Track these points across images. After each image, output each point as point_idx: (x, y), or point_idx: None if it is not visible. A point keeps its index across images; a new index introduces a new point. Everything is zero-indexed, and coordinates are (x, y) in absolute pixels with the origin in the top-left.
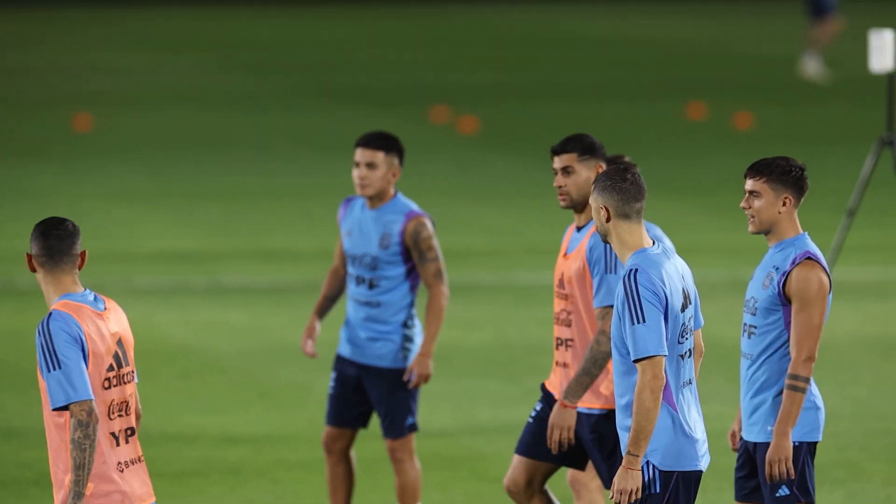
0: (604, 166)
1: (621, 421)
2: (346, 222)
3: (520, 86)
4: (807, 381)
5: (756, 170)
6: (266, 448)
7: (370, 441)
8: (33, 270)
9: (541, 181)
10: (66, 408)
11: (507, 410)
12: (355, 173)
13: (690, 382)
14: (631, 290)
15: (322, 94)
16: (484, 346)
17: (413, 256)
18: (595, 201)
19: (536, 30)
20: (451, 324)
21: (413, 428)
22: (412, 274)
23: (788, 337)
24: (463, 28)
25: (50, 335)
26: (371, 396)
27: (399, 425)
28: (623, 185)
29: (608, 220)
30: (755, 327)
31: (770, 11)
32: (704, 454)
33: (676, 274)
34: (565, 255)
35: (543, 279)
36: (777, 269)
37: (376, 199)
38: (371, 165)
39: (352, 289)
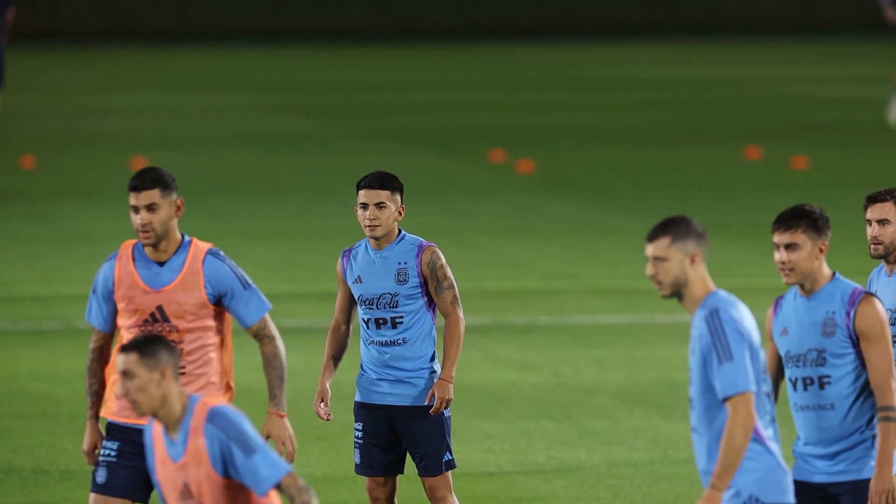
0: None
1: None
2: (352, 271)
3: (577, 127)
4: None
5: (788, 222)
6: (324, 490)
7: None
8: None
9: (597, 223)
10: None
11: (564, 451)
12: (364, 214)
13: (774, 420)
14: (716, 329)
15: (379, 136)
16: (540, 387)
17: (430, 286)
18: (682, 249)
19: (593, 71)
20: (507, 365)
21: (451, 465)
22: (431, 305)
23: (866, 375)
24: (520, 69)
25: None
26: (405, 438)
27: (437, 463)
28: (700, 228)
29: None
30: (828, 376)
31: (824, 53)
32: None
33: (749, 312)
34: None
35: (599, 321)
36: (835, 313)
37: (384, 239)
38: (381, 206)
39: (371, 333)
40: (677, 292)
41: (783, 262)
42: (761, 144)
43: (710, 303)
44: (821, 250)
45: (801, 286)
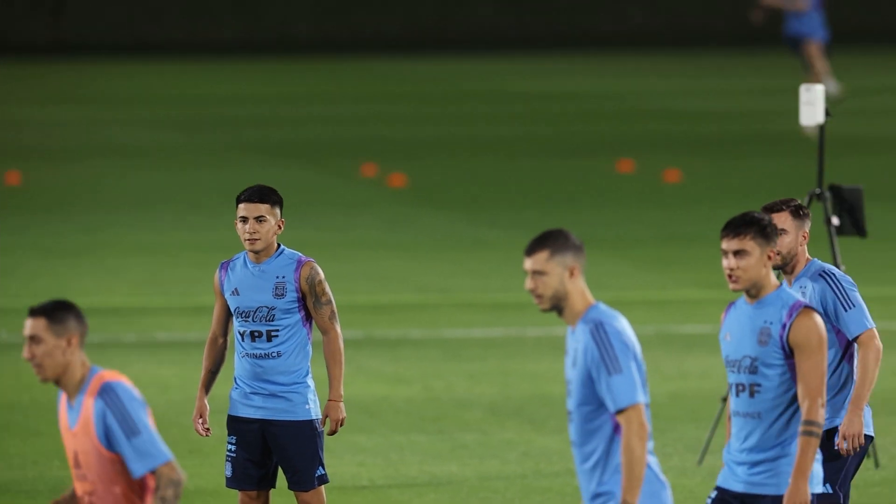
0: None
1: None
2: (230, 283)
3: (449, 141)
4: (821, 426)
5: (738, 228)
6: (196, 503)
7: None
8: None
9: (469, 237)
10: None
11: (436, 465)
12: (244, 228)
13: (650, 435)
14: (603, 342)
15: (251, 150)
16: (412, 401)
17: (307, 302)
18: (561, 263)
19: (465, 84)
20: (379, 378)
21: (323, 479)
22: (308, 321)
23: (796, 388)
24: (392, 83)
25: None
26: (277, 452)
27: (310, 477)
28: (577, 242)
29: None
30: (759, 385)
31: (696, 65)
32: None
33: (629, 325)
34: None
35: (471, 334)
36: (772, 323)
37: (263, 253)
38: (261, 219)
39: (246, 346)
40: (557, 306)
41: (731, 269)
42: (633, 157)
43: (593, 316)
44: (769, 257)
45: (748, 293)
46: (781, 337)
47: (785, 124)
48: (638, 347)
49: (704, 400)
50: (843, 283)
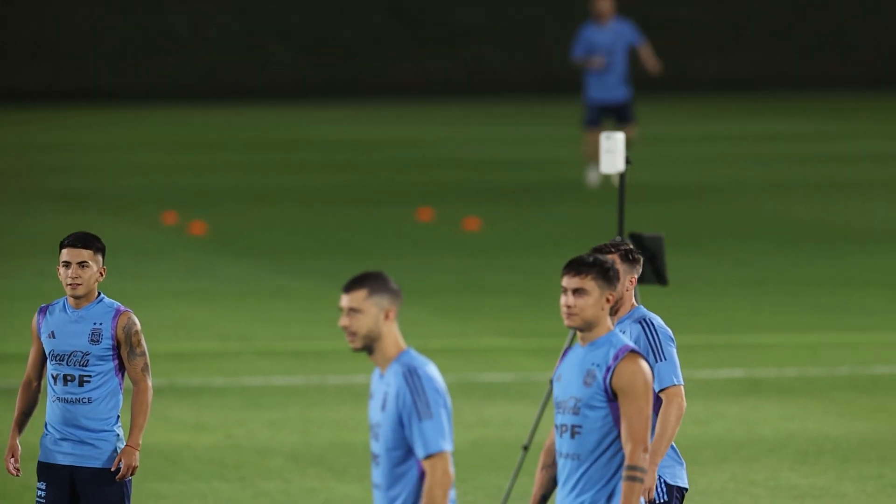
0: None
1: None
2: (47, 326)
3: (249, 189)
4: (644, 471)
5: (579, 267)
6: None
7: None
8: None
9: (269, 284)
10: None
11: None
12: (66, 273)
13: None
14: (416, 387)
15: (52, 197)
16: (214, 449)
17: (122, 351)
18: (378, 304)
19: (265, 132)
20: (181, 426)
21: None
22: (121, 370)
23: (619, 432)
24: (193, 131)
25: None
26: (85, 500)
27: None
28: (395, 286)
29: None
30: (580, 426)
31: (496, 114)
32: None
33: (439, 372)
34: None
35: (272, 382)
36: (598, 366)
37: (84, 299)
38: (83, 265)
39: (58, 390)
40: (369, 346)
41: (568, 306)
42: (433, 205)
43: (405, 360)
44: (607, 300)
45: (581, 333)
46: (605, 380)
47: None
48: (448, 396)
49: (506, 448)
50: (660, 334)
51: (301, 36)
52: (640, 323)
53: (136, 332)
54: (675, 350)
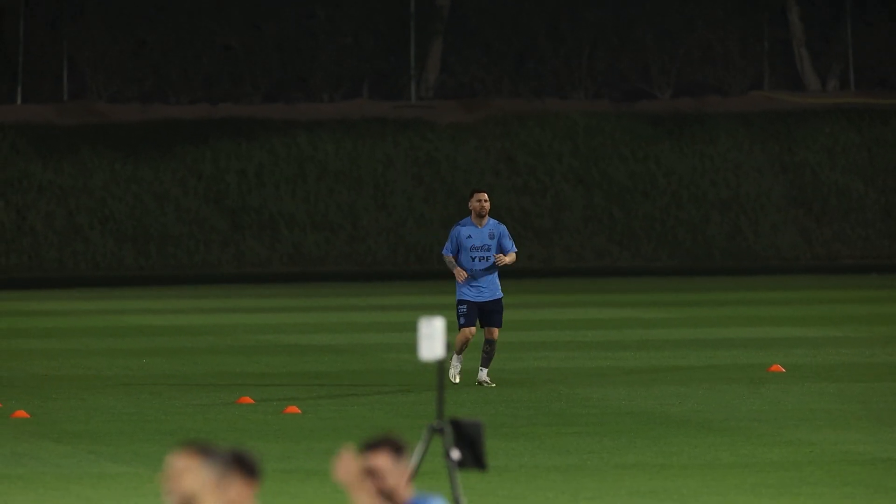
0: None
1: None
2: None
3: (70, 377)
4: None
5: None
6: None
7: None
8: None
9: (91, 470)
10: None
11: None
12: None
13: None
14: None
15: None
16: None
17: None
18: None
19: (87, 320)
20: None
21: None
22: None
23: None
24: (14, 319)
25: None
26: None
27: None
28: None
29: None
30: None
31: (316, 300)
32: None
33: None
34: None
35: None
36: None
37: None
38: None
39: None
40: None
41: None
42: (252, 394)
43: None
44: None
45: None
46: None
47: (405, 357)
48: None
49: None
50: None
51: (121, 224)
52: None
53: None
54: None
